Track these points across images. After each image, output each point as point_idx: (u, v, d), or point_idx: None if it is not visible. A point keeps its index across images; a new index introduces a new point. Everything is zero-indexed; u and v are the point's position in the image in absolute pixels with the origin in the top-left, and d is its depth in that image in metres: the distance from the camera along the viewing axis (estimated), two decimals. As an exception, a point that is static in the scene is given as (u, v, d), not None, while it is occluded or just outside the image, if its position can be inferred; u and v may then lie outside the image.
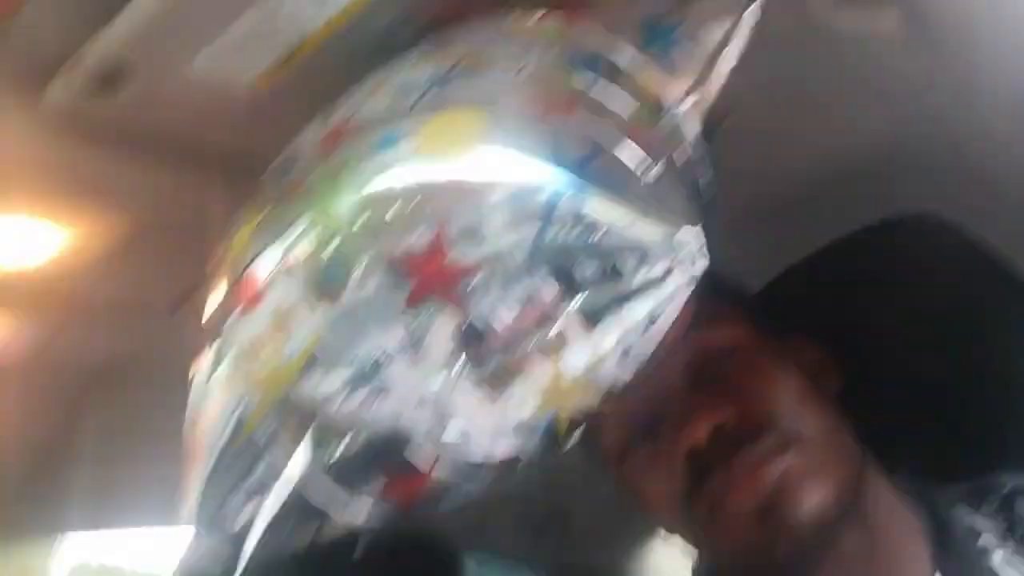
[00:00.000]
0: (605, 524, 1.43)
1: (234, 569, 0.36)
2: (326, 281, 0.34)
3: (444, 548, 1.20)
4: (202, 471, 0.37)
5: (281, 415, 0.34)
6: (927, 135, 0.56)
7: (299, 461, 0.33)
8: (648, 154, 0.35)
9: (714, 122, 0.37)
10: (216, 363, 0.37)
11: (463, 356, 0.33)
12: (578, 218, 0.33)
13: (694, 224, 0.34)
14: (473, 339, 0.33)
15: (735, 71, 0.38)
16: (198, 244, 0.51)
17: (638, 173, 0.34)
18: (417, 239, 0.33)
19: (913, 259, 0.62)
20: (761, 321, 0.55)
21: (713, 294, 0.52)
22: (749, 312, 0.55)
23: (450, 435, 0.33)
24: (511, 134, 0.35)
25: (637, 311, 0.33)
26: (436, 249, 0.33)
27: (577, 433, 0.37)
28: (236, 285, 0.38)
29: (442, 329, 0.32)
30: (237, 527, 0.35)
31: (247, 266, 0.38)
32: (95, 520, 1.09)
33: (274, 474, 0.34)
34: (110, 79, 0.46)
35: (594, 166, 0.34)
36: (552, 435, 0.35)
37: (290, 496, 0.34)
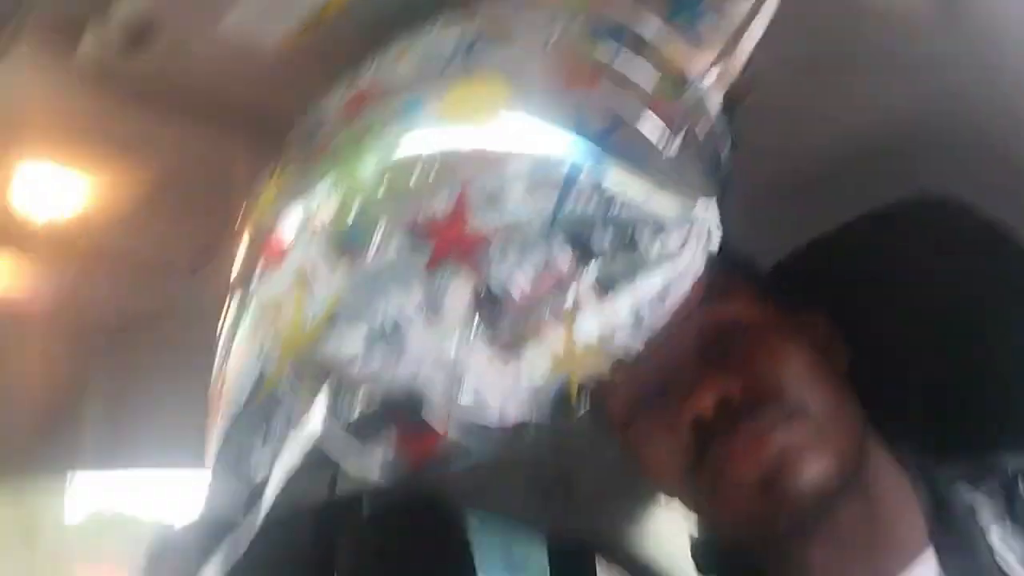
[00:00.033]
0: (609, 490, 1.46)
1: (254, 517, 0.37)
2: (348, 242, 0.35)
3: (450, 507, 1.23)
4: (224, 422, 0.39)
5: (301, 371, 0.35)
6: (950, 113, 0.56)
7: (317, 415, 0.34)
8: (669, 127, 0.35)
9: (737, 97, 0.37)
10: (240, 319, 0.38)
11: (479, 320, 0.34)
12: (597, 189, 0.33)
13: (712, 198, 0.35)
14: (489, 303, 0.33)
15: (760, 46, 0.38)
16: (221, 202, 0.52)
17: (659, 146, 0.35)
18: (438, 204, 0.34)
19: (930, 239, 0.62)
20: (773, 296, 0.55)
21: (727, 268, 0.52)
22: (762, 287, 0.56)
23: (464, 397, 0.34)
24: (534, 104, 0.36)
25: (651, 282, 0.34)
26: (456, 215, 0.33)
27: (586, 399, 0.38)
28: (260, 244, 0.39)
29: (459, 293, 0.33)
30: (257, 477, 0.36)
31: (271, 225, 0.38)
32: (108, 460, 1.12)
33: (293, 427, 0.35)
34: (139, 36, 0.47)
35: (615, 138, 0.34)
36: (562, 401, 0.36)
37: (307, 448, 0.36)
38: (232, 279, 0.40)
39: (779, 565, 0.54)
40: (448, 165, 0.35)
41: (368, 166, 0.36)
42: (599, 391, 0.54)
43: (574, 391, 0.36)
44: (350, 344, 0.34)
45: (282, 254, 0.37)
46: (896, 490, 0.52)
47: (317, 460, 0.36)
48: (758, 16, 0.38)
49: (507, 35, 0.39)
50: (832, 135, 0.60)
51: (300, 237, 0.36)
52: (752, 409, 0.48)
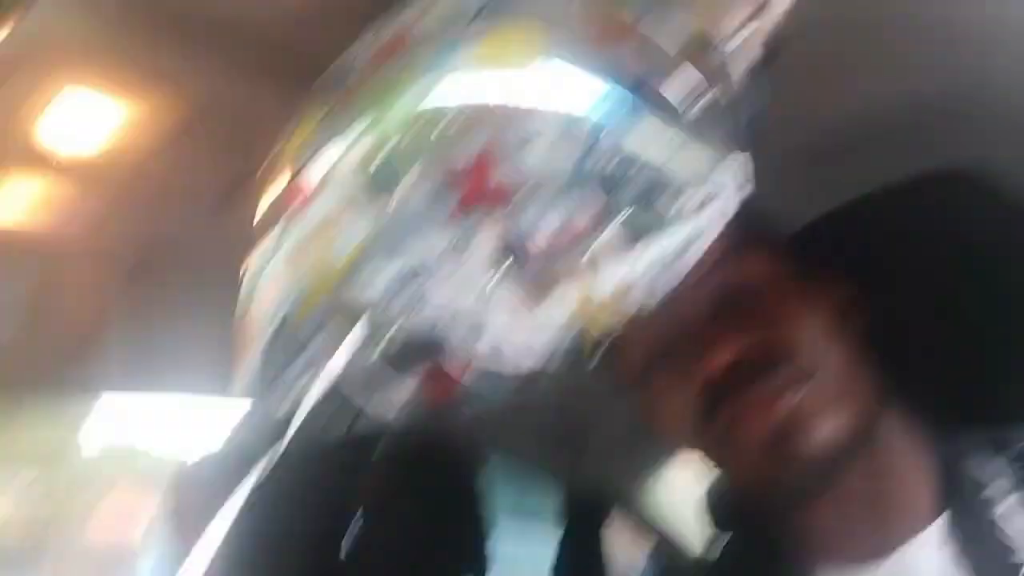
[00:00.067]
0: (624, 442, 1.48)
1: (277, 449, 0.39)
2: (377, 186, 0.35)
3: (465, 452, 1.26)
4: (251, 356, 0.40)
5: (328, 310, 0.36)
6: (983, 86, 0.55)
7: (342, 352, 0.35)
8: (697, 86, 0.35)
9: (767, 58, 0.37)
10: (269, 257, 0.39)
11: (501, 269, 0.34)
12: (623, 145, 0.34)
13: (737, 157, 0.35)
14: (512, 253, 0.34)
15: (792, 7, 0.37)
16: (250, 140, 0.53)
17: (686, 104, 0.35)
18: (467, 153, 0.34)
19: (953, 212, 0.62)
20: (793, 260, 0.55)
21: (747, 229, 0.52)
22: (782, 250, 0.56)
23: (483, 344, 0.35)
24: (568, 54, 0.36)
25: (673, 238, 0.35)
26: (484, 164, 0.34)
27: (600, 352, 0.38)
28: (290, 183, 0.40)
29: (483, 241, 0.34)
30: (282, 410, 0.37)
31: (302, 166, 0.39)
32: (133, 386, 1.16)
33: (318, 363, 0.36)
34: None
35: (643, 94, 0.34)
36: (577, 353, 0.37)
37: (330, 386, 0.37)
38: (262, 217, 0.41)
39: (785, 523, 0.56)
40: (478, 114, 0.35)
41: (400, 111, 0.36)
42: (614, 346, 0.55)
43: (588, 344, 0.37)
44: (376, 285, 0.35)
45: (312, 195, 0.38)
46: (907, 457, 0.53)
47: (339, 396, 0.37)
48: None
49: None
50: (861, 103, 0.60)
51: (330, 179, 0.37)
52: (764, 370, 0.49)
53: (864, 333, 0.54)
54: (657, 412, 0.56)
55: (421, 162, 0.35)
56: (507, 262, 0.34)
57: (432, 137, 0.35)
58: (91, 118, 0.64)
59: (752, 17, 0.36)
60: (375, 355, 0.36)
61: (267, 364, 0.39)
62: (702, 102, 0.35)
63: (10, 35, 0.51)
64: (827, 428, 0.48)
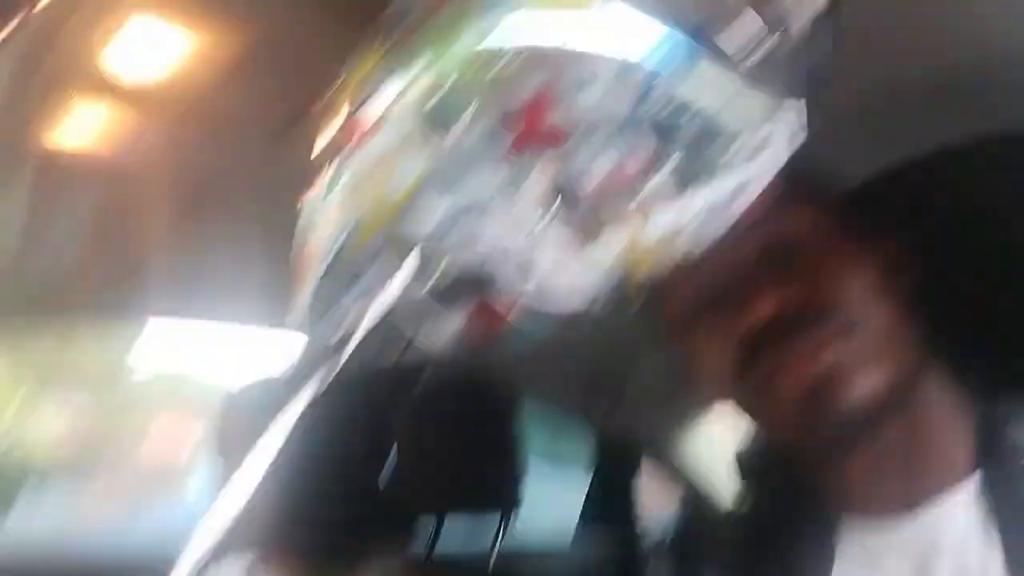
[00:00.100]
0: (661, 393, 1.48)
1: (327, 375, 0.41)
2: (434, 124, 0.36)
3: (504, 392, 1.28)
4: (308, 285, 0.41)
5: (382, 242, 0.37)
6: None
7: (396, 282, 0.36)
8: (758, 33, 0.35)
9: (831, 8, 0.36)
10: (328, 189, 0.40)
11: (552, 209, 0.35)
12: (681, 88, 0.34)
13: (793, 107, 0.35)
14: (564, 194, 0.35)
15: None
16: (311, 73, 0.53)
17: (745, 51, 0.35)
18: (524, 92, 0.35)
19: (1015, 174, 0.60)
20: (844, 215, 0.55)
21: (800, 181, 0.52)
22: (834, 205, 0.55)
23: (530, 283, 0.36)
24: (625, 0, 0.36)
25: (724, 184, 0.35)
26: (540, 104, 0.34)
27: (644, 297, 0.39)
28: (349, 119, 0.41)
29: (537, 181, 0.35)
30: (335, 337, 0.39)
31: (360, 102, 0.40)
32: (185, 311, 1.20)
33: (371, 293, 0.37)
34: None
35: (702, 40, 0.34)
36: (622, 296, 0.38)
37: (381, 316, 0.38)
38: (322, 150, 0.42)
39: (819, 476, 0.56)
40: (536, 55, 0.35)
41: (459, 50, 0.37)
42: (657, 294, 0.56)
43: (633, 288, 0.38)
44: (429, 220, 0.36)
45: (370, 131, 0.38)
46: (947, 417, 0.53)
47: (390, 327, 0.39)
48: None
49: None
50: (925, 59, 0.58)
51: (388, 115, 0.38)
52: (806, 324, 0.49)
53: (911, 291, 0.54)
54: (696, 362, 0.56)
55: (478, 102, 0.35)
56: (558, 203, 0.35)
57: (490, 77, 0.36)
58: (156, 47, 0.65)
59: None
60: (426, 288, 0.37)
61: (322, 293, 0.40)
62: (762, 50, 0.35)
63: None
64: (865, 385, 0.48)
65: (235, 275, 1.09)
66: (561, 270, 0.36)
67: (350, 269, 0.39)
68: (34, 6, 0.55)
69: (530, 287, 0.36)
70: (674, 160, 0.34)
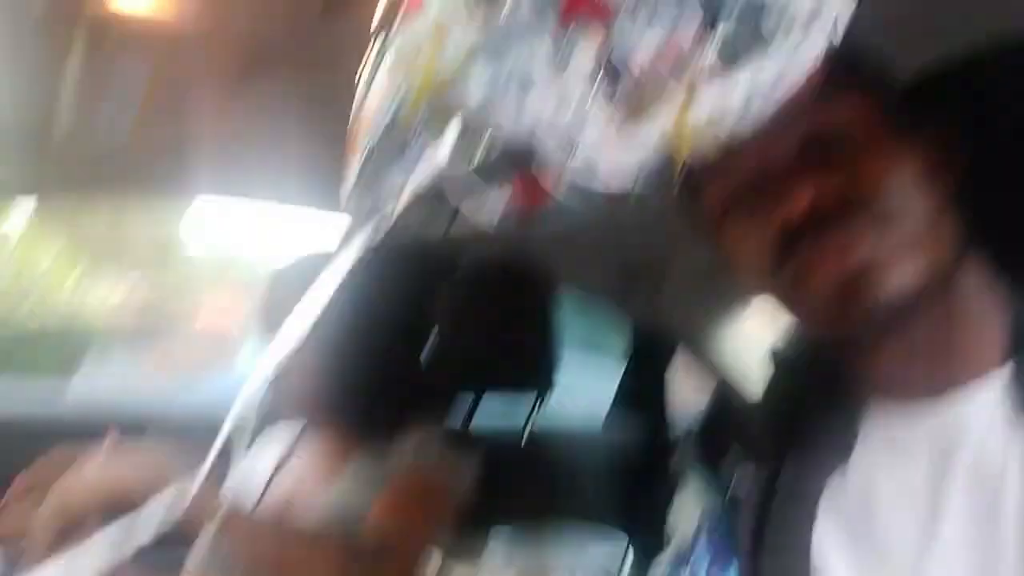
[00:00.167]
0: (699, 285, 1.49)
1: (374, 247, 0.42)
2: (485, -4, 0.36)
3: (543, 277, 1.30)
4: (360, 156, 0.43)
5: (433, 111, 0.38)
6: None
7: (440, 154, 0.37)
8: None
9: None
10: (379, 63, 0.41)
11: (601, 83, 0.35)
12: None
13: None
14: (611, 70, 0.35)
15: None
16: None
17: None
18: None
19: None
20: (892, 105, 0.53)
21: (849, 67, 0.50)
22: (882, 93, 0.54)
23: (576, 157, 0.37)
24: None
25: (770, 65, 0.35)
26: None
27: (687, 177, 0.39)
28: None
29: (584, 56, 0.35)
30: (385, 207, 0.40)
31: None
32: (232, 189, 1.22)
33: (419, 163, 0.38)
34: None
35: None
36: (665, 176, 0.38)
37: (430, 187, 0.39)
38: (373, 25, 0.43)
39: (849, 365, 0.57)
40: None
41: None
42: (698, 182, 0.56)
43: (677, 168, 0.38)
44: (480, 90, 0.36)
45: (422, 3, 0.39)
46: (981, 311, 0.52)
47: (438, 197, 0.40)
48: None
49: None
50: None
51: (440, -13, 0.38)
52: (844, 215, 0.49)
53: (955, 185, 0.53)
54: (734, 252, 0.56)
55: (527, -26, 0.35)
56: (605, 79, 0.35)
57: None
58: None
59: None
60: (473, 160, 0.38)
61: (374, 162, 0.41)
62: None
63: None
64: (902, 276, 0.48)
65: (284, 153, 1.11)
66: (606, 146, 0.36)
67: (399, 141, 0.39)
68: None
69: (574, 163, 0.37)
70: (721, 34, 0.34)
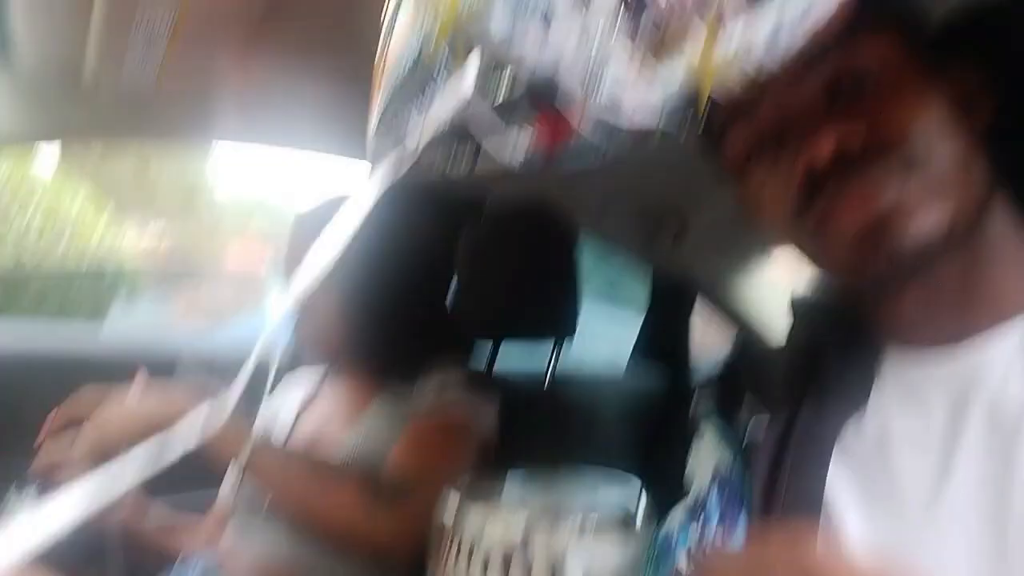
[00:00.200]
0: (721, 235, 1.48)
1: (400, 179, 0.42)
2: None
3: (566, 223, 1.30)
4: (385, 95, 0.43)
5: (456, 48, 0.38)
6: None
7: (466, 84, 0.37)
8: None
9: None
10: (401, 3, 0.41)
11: (626, 17, 0.35)
12: None
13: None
14: (636, 2, 0.35)
15: None
16: None
17: None
18: None
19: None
20: (921, 43, 0.52)
21: (878, 5, 0.49)
22: (910, 31, 0.52)
23: (601, 92, 0.36)
24: None
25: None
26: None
27: (712, 114, 0.39)
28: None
29: (609, -12, 0.34)
30: (410, 143, 0.41)
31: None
32: (253, 136, 1.23)
33: (443, 98, 0.38)
34: None
35: None
36: (690, 112, 0.38)
37: (453, 124, 0.39)
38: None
39: (872, 311, 0.57)
40: None
41: None
42: (721, 127, 0.55)
43: (703, 103, 0.37)
44: (502, 24, 0.36)
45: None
46: (1009, 256, 0.52)
47: (462, 135, 0.40)
48: None
49: None
50: None
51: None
52: (869, 160, 0.48)
53: (982, 127, 0.51)
54: (757, 198, 0.56)
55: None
56: (628, 13, 0.35)
57: None
58: None
59: None
60: (496, 96, 0.38)
61: (399, 99, 0.41)
62: None
63: None
64: (927, 220, 0.48)
65: (308, 100, 1.10)
66: (629, 82, 0.36)
67: (422, 78, 0.39)
68: None
69: (598, 99, 0.36)
70: None
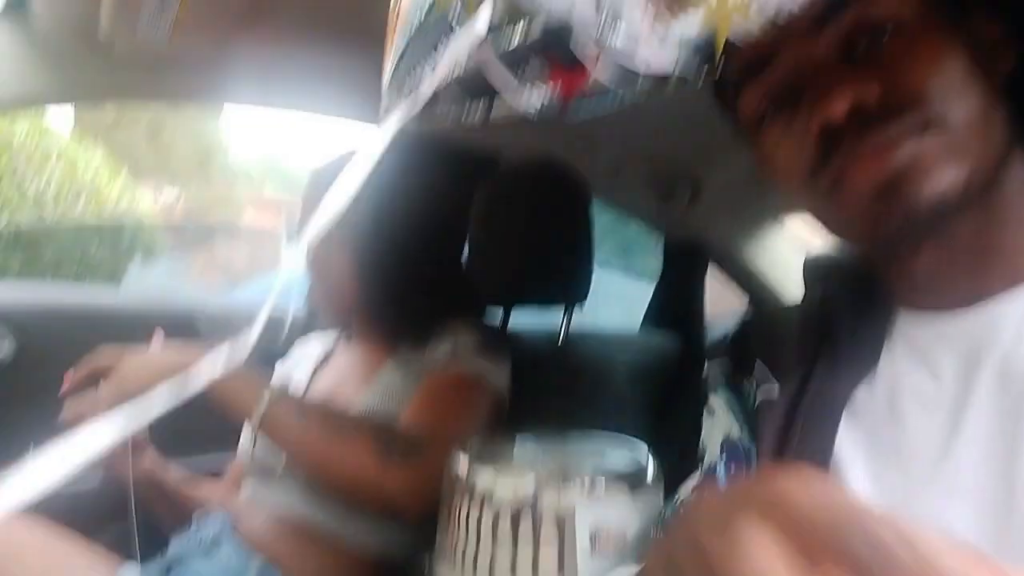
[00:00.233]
0: (734, 200, 1.47)
1: (415, 125, 0.42)
2: None
3: (579, 183, 1.28)
4: (398, 44, 0.42)
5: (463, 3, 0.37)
6: None
7: (477, 31, 0.36)
8: None
9: None
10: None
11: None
12: None
13: None
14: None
15: None
16: None
17: None
18: None
19: None
20: None
21: None
22: None
23: (617, 36, 0.36)
24: None
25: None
26: None
27: (730, 57, 0.38)
28: None
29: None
30: (423, 89, 0.40)
31: None
32: (260, 97, 1.22)
33: (458, 45, 0.38)
34: None
35: None
36: (707, 56, 0.37)
37: (468, 72, 0.39)
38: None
39: (885, 272, 0.56)
40: None
41: None
42: (736, 84, 0.54)
43: (720, 47, 0.37)
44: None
45: None
46: (1021, 212, 0.51)
47: (476, 85, 0.39)
48: None
49: None
50: None
51: None
52: (886, 116, 0.47)
53: (1001, 83, 0.50)
54: (773, 157, 0.55)
55: None
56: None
57: None
58: None
59: None
60: (511, 42, 0.37)
61: (412, 48, 0.41)
62: None
63: None
64: (941, 180, 0.47)
65: (321, 63, 1.10)
66: (645, 27, 0.35)
67: (436, 27, 0.39)
68: None
69: (614, 44, 0.36)
70: None
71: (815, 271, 0.70)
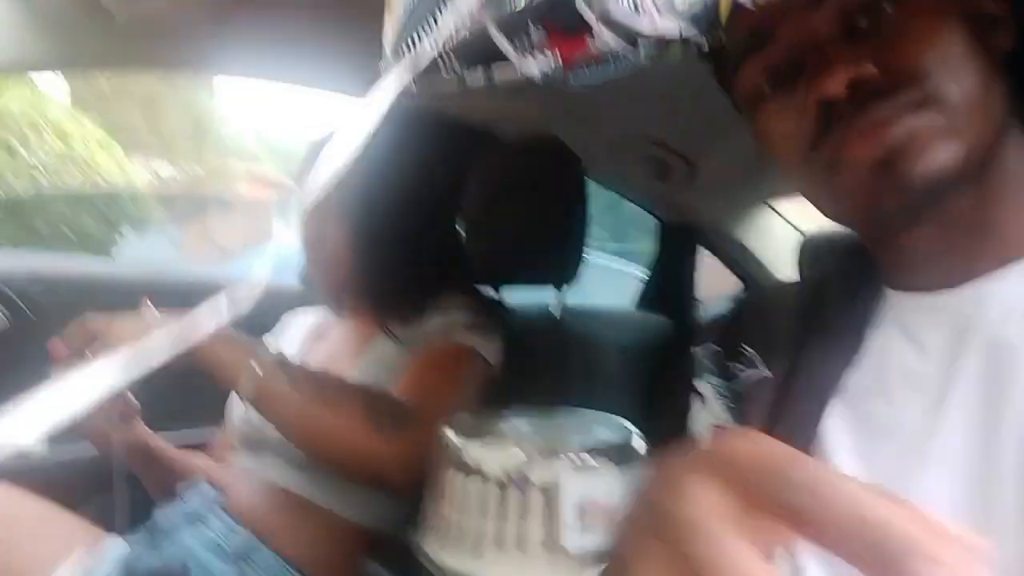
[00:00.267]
0: (730, 180, 1.46)
1: (415, 97, 0.41)
2: None
3: (573, 159, 1.28)
4: (399, 16, 0.42)
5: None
6: None
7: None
8: None
9: None
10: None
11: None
12: None
13: None
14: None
15: None
16: None
17: None
18: None
19: None
20: None
21: None
22: None
23: (618, 2, 0.35)
24: None
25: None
26: None
27: (731, 21, 0.37)
28: None
29: None
30: (421, 63, 0.40)
31: None
32: (250, 70, 1.21)
33: (459, 8, 0.37)
34: None
35: None
36: (712, 18, 0.37)
37: (466, 42, 0.38)
38: None
39: (883, 248, 0.56)
40: None
41: None
42: (735, 62, 0.54)
43: (725, 10, 0.36)
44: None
45: None
46: (1018, 191, 0.51)
47: (475, 52, 0.39)
48: None
49: None
50: None
51: None
52: (884, 93, 0.47)
53: (1000, 59, 0.50)
54: (770, 134, 0.55)
55: None
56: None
57: None
58: None
59: None
60: (515, 4, 0.36)
61: (412, 19, 0.40)
62: None
63: None
64: (939, 155, 0.46)
65: (318, 36, 1.09)
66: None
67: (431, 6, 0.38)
68: None
69: (616, 9, 0.35)
70: None
71: (810, 253, 0.70)
